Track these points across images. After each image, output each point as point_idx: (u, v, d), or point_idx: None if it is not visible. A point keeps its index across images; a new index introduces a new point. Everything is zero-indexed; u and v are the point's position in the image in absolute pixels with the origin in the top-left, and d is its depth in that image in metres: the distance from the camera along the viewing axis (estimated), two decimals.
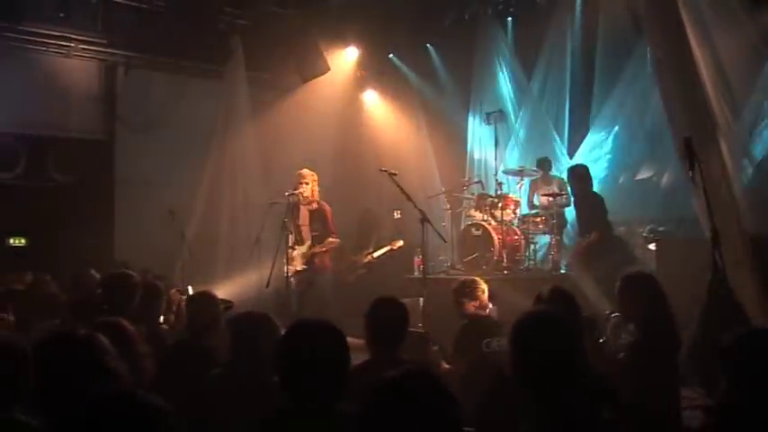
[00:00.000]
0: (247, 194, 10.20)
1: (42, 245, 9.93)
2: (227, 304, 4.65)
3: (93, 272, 6.19)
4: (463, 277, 5.94)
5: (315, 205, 7.63)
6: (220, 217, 10.15)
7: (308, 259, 7.47)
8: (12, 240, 10.32)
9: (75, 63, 9.91)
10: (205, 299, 4.39)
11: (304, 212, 7.68)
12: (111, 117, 10.33)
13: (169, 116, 10.22)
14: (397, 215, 11.00)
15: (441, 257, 9.34)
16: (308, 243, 7.56)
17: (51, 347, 2.44)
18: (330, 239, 7.51)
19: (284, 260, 7.24)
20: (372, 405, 1.79)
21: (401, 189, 6.82)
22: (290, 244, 7.38)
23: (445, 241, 7.95)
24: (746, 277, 5.61)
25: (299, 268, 7.47)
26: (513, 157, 10.16)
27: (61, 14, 8.35)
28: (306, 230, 7.58)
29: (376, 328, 3.61)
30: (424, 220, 6.63)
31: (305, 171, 7.70)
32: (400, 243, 9.38)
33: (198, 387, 3.48)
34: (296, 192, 7.52)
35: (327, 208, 7.65)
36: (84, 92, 10.14)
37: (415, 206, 6.73)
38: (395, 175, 6.93)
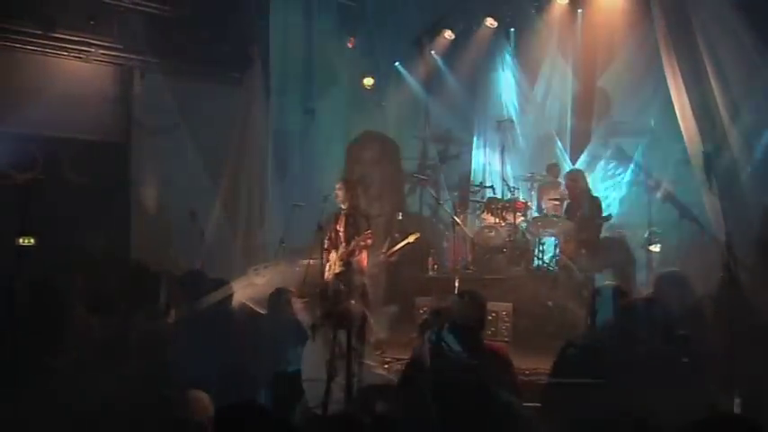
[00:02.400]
0: (264, 197, 10.49)
1: (56, 245, 10.07)
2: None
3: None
4: None
5: (353, 211, 7.65)
6: (238, 219, 10.37)
7: (345, 260, 7.50)
8: (21, 240, 10.46)
9: (93, 67, 10.02)
10: (285, 296, 4.70)
11: (342, 218, 7.74)
12: (127, 120, 10.52)
13: (185, 119, 10.42)
14: (399, 216, 11.38)
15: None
16: (344, 245, 7.62)
17: None
18: (366, 234, 7.49)
19: (320, 261, 7.42)
20: None
21: (431, 194, 7.19)
22: (325, 247, 7.60)
23: (472, 239, 8.33)
24: (757, 276, 6.12)
25: (337, 271, 7.54)
26: (517, 163, 10.61)
27: (92, 22, 8.49)
28: (342, 236, 7.63)
29: None
30: (455, 222, 7.03)
31: (344, 178, 7.75)
32: (417, 235, 9.56)
33: None
34: (333, 197, 7.63)
35: (366, 215, 7.68)
36: (101, 95, 10.28)
37: (446, 210, 7.11)
38: (425, 180, 7.30)
